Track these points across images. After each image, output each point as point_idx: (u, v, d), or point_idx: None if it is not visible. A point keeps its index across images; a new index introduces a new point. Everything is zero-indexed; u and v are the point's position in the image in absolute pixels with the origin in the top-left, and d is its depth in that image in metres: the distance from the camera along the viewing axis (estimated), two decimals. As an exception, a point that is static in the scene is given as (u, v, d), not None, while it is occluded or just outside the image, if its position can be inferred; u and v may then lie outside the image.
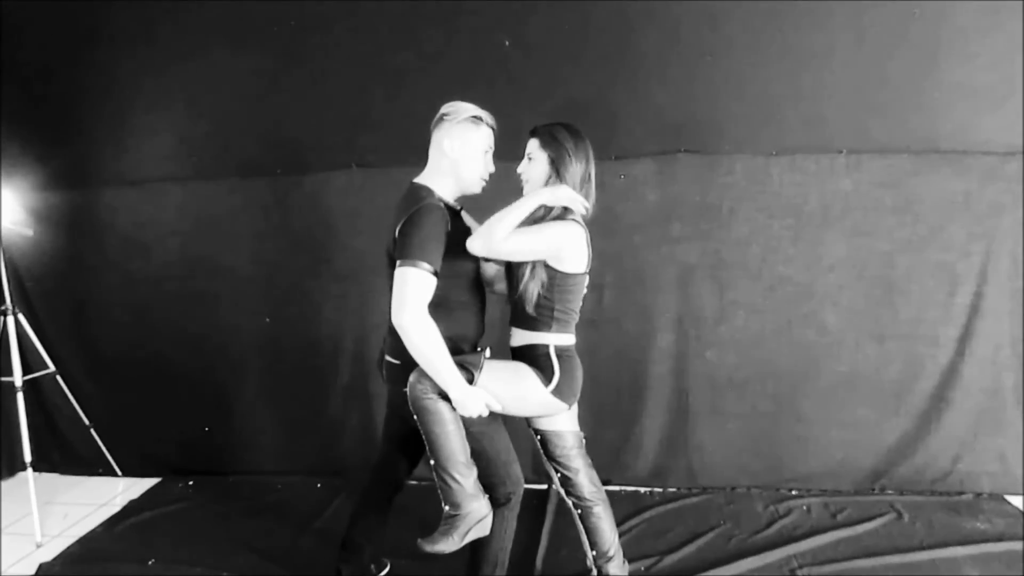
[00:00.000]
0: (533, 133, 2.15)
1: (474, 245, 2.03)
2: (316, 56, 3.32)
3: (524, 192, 2.17)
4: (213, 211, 3.51)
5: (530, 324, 2.16)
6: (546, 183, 2.12)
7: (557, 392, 2.12)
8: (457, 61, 3.20)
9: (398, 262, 2.01)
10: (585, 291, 2.24)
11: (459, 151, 2.14)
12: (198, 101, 3.43)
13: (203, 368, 3.60)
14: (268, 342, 3.54)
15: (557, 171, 2.12)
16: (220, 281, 3.55)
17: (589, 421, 3.14)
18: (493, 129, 2.20)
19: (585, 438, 2.35)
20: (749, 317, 3.26)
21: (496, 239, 2.01)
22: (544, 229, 2.07)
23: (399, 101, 3.27)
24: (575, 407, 2.30)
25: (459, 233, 2.13)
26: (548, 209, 2.14)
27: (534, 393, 2.10)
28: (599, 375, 3.32)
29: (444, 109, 2.17)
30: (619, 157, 3.20)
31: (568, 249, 2.09)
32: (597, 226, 3.08)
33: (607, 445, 3.37)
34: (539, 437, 2.28)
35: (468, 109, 2.16)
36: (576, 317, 2.21)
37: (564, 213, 2.12)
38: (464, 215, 2.32)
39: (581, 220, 2.14)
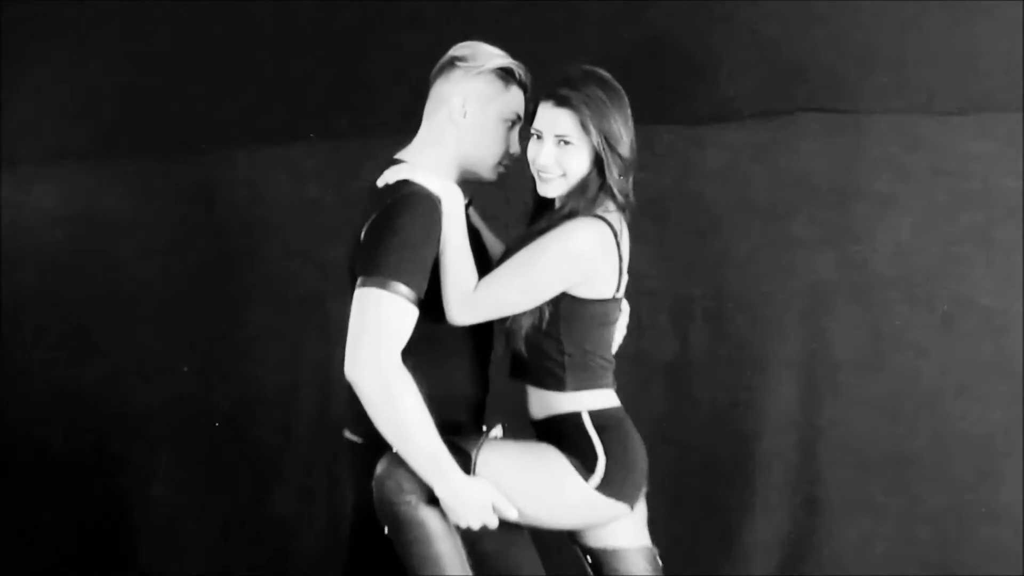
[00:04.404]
0: (561, 101, 2.05)
1: (452, 315, 2.06)
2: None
3: (544, 192, 2.13)
4: (109, 203, 3.51)
5: (537, 377, 2.15)
6: (587, 179, 2.09)
7: (607, 486, 2.04)
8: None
9: (359, 280, 1.97)
10: (622, 325, 2.25)
11: (473, 116, 2.15)
12: (94, 53, 3.47)
13: (95, 440, 3.57)
14: (187, 401, 3.51)
15: (603, 161, 2.07)
16: (117, 308, 3.53)
17: (666, 522, 2.99)
18: (526, 90, 2.20)
19: (661, 555, 2.29)
20: (914, 361, 3.13)
21: (467, 300, 2.03)
22: (548, 251, 2.03)
23: (380, 43, 3.27)
24: (641, 507, 2.23)
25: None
26: (541, 205, 2.17)
27: (570, 491, 2.03)
28: (681, 450, 3.25)
29: (456, 51, 2.18)
30: (714, 120, 3.18)
31: (588, 267, 2.06)
32: (680, 223, 3.21)
33: (696, 556, 3.27)
34: (589, 558, 2.21)
35: (493, 56, 2.16)
36: (609, 364, 2.19)
37: (582, 206, 2.07)
38: (472, 213, 2.32)
39: (613, 217, 2.09)
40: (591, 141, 2.04)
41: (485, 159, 2.18)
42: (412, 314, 1.95)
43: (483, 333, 2.20)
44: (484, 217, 2.40)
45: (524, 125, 2.19)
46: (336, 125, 3.32)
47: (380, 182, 2.08)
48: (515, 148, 2.20)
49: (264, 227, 3.40)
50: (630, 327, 2.38)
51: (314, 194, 3.34)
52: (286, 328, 3.42)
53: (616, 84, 2.09)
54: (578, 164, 2.06)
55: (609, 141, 2.05)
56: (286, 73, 3.34)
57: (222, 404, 3.49)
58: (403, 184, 2.03)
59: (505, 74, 2.15)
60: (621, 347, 2.31)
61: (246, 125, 3.38)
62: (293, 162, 3.35)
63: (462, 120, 2.13)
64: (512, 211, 2.32)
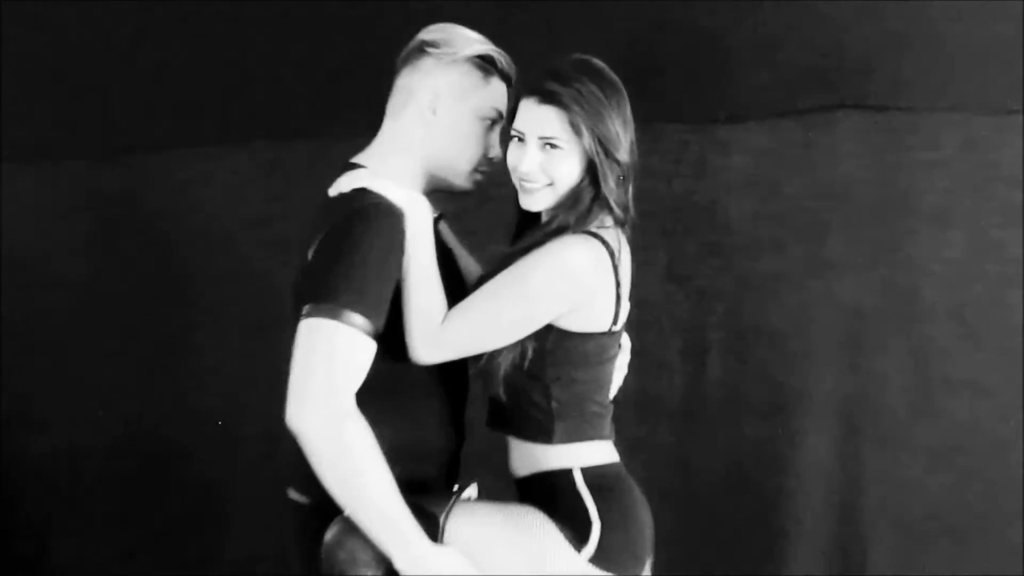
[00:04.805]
0: (547, 97, 2.02)
1: (417, 352, 2.03)
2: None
3: (527, 205, 2.10)
4: (17, 214, 3.53)
5: (520, 427, 2.12)
6: (579, 189, 2.07)
7: (603, 559, 2.00)
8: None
9: (306, 309, 1.93)
10: (622, 363, 2.24)
11: (446, 113, 2.13)
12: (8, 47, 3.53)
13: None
14: (104, 449, 3.52)
15: (597, 168, 2.04)
16: (28, 334, 3.54)
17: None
18: (510, 83, 2.19)
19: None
20: (972, 405, 3.15)
21: (434, 334, 1.99)
22: (531, 275, 1.99)
23: (336, 32, 3.31)
24: (647, 579, 2.21)
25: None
26: (525, 220, 2.14)
27: (558, 564, 1.99)
28: (695, 512, 3.26)
29: (427, 34, 2.16)
30: (733, 119, 3.22)
31: (580, 294, 2.01)
32: (693, 240, 3.24)
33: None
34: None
35: (470, 41, 2.14)
36: (606, 410, 2.16)
37: (573, 221, 2.04)
38: (444, 229, 2.31)
39: (610, 234, 2.06)
40: (583, 144, 2.01)
41: (459, 164, 2.15)
42: (369, 350, 1.90)
43: (457, 372, 2.16)
44: (460, 234, 2.38)
45: (507, 124, 2.14)
46: (285, 124, 3.35)
47: (332, 191, 2.04)
48: (495, 152, 2.17)
49: (200, 240, 3.43)
50: (633, 365, 2.34)
51: (258, 205, 3.37)
52: (225, 363, 3.44)
53: (613, 76, 2.06)
54: (567, 171, 2.03)
55: (604, 144, 2.01)
56: (227, 65, 3.38)
57: (144, 453, 3.48)
58: (360, 194, 1.98)
59: (485, 63, 2.12)
60: (622, 389, 2.29)
61: (181, 124, 3.41)
62: (235, 166, 3.37)
63: (432, 117, 2.10)
64: (493, 227, 2.29)
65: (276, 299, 3.22)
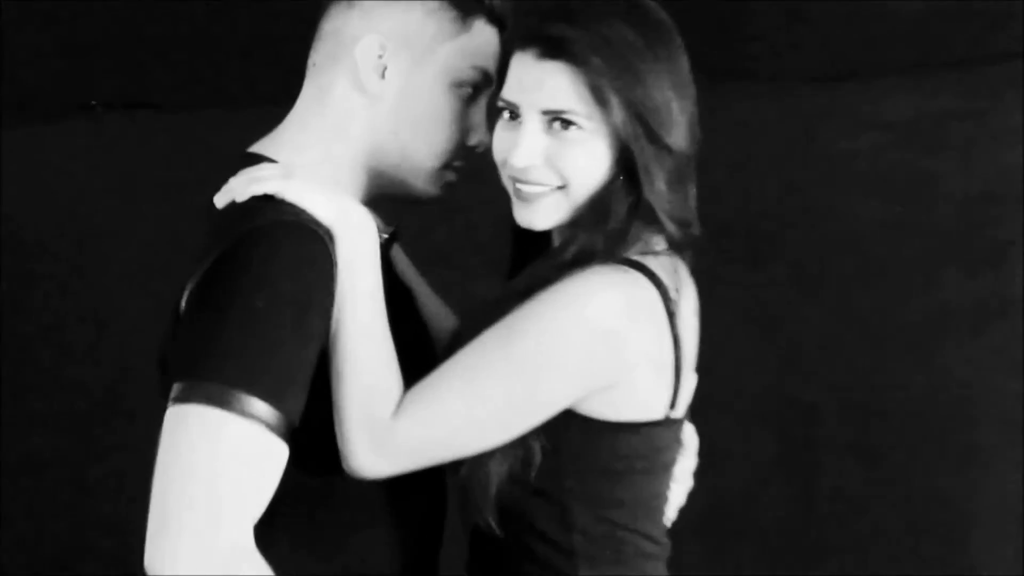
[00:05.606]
0: (552, 48, 2.01)
1: (355, 459, 1.99)
2: None
3: (526, 220, 2.09)
4: None
5: (522, 574, 2.10)
6: (608, 193, 2.04)
7: None
8: None
9: (176, 390, 1.86)
10: (685, 470, 2.29)
11: (399, 77, 2.14)
12: None
13: None
14: None
15: (635, 160, 2.01)
16: None
17: None
18: (503, 28, 2.20)
19: None
20: None
21: (382, 430, 1.97)
22: (536, 333, 1.97)
23: None
24: None
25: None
26: (526, 242, 2.19)
27: None
28: None
29: None
30: (850, 75, 3.38)
31: (613, 362, 1.96)
32: (785, 268, 3.53)
33: None
34: None
35: None
36: (659, 547, 2.15)
37: (601, 244, 2.01)
38: (399, 256, 2.37)
39: (661, 265, 2.03)
40: (612, 121, 1.98)
41: (421, 157, 2.12)
42: (277, 455, 1.83)
43: (424, 483, 2.13)
44: (424, 264, 2.39)
45: (496, 92, 2.10)
46: (147, 92, 3.43)
47: (221, 200, 1.97)
48: (479, 136, 2.14)
49: (23, 251, 3.50)
50: (703, 473, 2.34)
51: (92, 207, 3.47)
52: (54, 451, 3.55)
53: (660, 13, 2.03)
54: (588, 165, 2.00)
55: (646, 120, 1.98)
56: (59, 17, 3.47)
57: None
58: (263, 205, 1.93)
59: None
60: (685, 510, 2.28)
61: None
62: (57, 149, 3.50)
63: (378, 83, 2.07)
64: (475, 254, 2.28)
65: (120, 352, 3.33)
